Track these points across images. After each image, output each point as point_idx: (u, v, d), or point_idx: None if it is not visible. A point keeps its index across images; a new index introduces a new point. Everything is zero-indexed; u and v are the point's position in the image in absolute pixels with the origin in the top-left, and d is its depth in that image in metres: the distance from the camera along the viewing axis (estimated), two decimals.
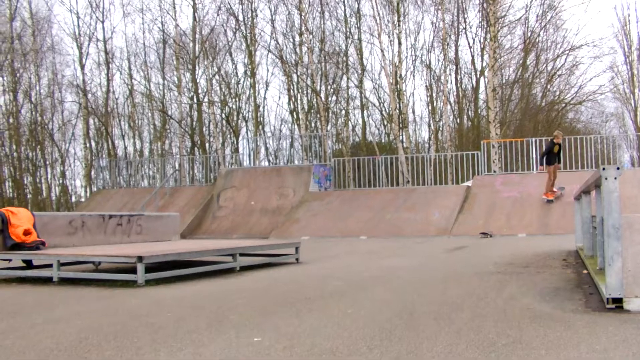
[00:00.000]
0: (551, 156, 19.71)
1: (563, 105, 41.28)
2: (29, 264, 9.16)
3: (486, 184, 22.52)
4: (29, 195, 41.64)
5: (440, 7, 37.77)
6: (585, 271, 7.86)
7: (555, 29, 38.95)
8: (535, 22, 38.22)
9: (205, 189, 27.19)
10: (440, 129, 40.34)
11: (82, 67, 43.15)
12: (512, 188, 21.74)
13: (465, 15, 39.21)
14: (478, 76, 39.91)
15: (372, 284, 7.47)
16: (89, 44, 44.20)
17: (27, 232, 8.69)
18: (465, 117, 41.84)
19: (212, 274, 8.71)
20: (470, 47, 40.10)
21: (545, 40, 39.52)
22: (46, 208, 40.39)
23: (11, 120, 41.83)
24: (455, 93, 40.93)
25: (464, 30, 39.37)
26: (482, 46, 38.54)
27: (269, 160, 39.56)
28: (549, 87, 40.73)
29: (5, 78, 42.22)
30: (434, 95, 41.26)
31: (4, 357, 3.88)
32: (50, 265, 8.30)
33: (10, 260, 9.02)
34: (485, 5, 34.13)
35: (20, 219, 8.80)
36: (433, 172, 26.89)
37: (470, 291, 6.57)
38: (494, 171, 27.00)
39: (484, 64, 37.62)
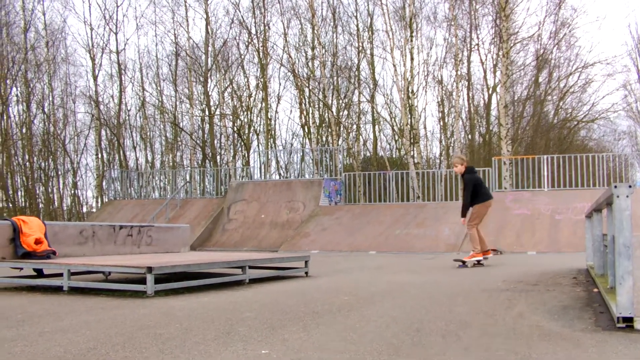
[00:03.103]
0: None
1: (575, 122, 41.18)
2: (39, 273, 9.19)
3: (496, 200, 22.38)
4: (41, 205, 41.77)
5: (452, 23, 37.78)
6: (595, 290, 7.83)
7: (568, 46, 38.89)
8: (548, 39, 38.23)
9: (216, 201, 27.23)
10: (452, 144, 40.27)
11: (95, 78, 43.37)
12: (523, 205, 21.69)
13: (478, 32, 39.22)
14: (490, 92, 39.89)
15: (381, 299, 7.46)
16: (102, 56, 44.44)
17: (38, 241, 8.72)
18: (476, 133, 41.81)
19: (221, 286, 8.72)
20: (482, 64, 40.09)
21: (558, 57, 39.48)
22: (58, 218, 40.52)
23: (24, 130, 42.04)
24: (467, 109, 40.91)
25: (476, 47, 39.37)
26: (494, 63, 38.52)
27: (279, 174, 39.59)
28: (561, 104, 40.65)
29: (18, 88, 42.45)
30: (446, 111, 41.25)
31: None
32: (60, 275, 8.33)
33: (21, 268, 9.05)
34: (498, 21, 34.14)
35: (32, 227, 8.83)
36: (444, 188, 26.85)
37: (478, 308, 6.55)
38: (505, 188, 26.99)
39: (496, 80, 37.61)
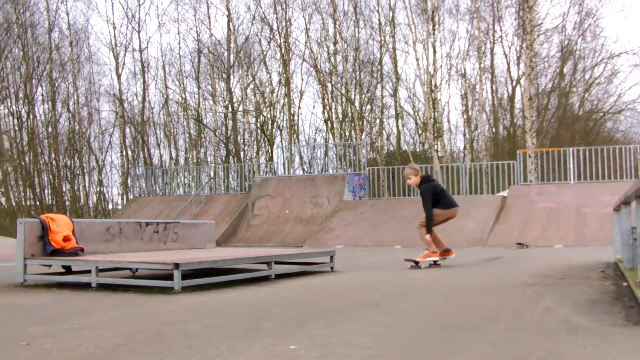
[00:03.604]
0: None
1: (601, 114, 40.82)
2: (68, 270, 9.26)
3: (522, 194, 22.37)
4: (67, 203, 42.08)
5: (475, 16, 37.63)
6: (624, 283, 7.77)
7: (593, 36, 38.57)
8: (573, 29, 37.97)
9: (240, 197, 27.29)
10: (476, 138, 40.12)
11: (119, 76, 43.63)
12: (549, 198, 21.57)
13: (501, 24, 39.06)
14: (514, 85, 39.68)
15: (406, 294, 7.45)
16: (125, 54, 44.69)
17: (66, 239, 8.79)
18: (501, 126, 41.59)
19: (247, 281, 8.74)
20: (505, 56, 39.92)
21: (582, 48, 39.12)
22: (84, 215, 40.82)
23: (50, 129, 42.34)
24: (490, 102, 40.71)
25: (499, 39, 39.19)
26: (518, 55, 38.33)
27: (303, 169, 39.60)
28: (586, 95, 40.30)
29: (44, 88, 42.76)
30: (469, 104, 41.06)
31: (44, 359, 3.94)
32: (88, 271, 8.39)
33: (50, 265, 9.13)
34: (521, 13, 33.97)
35: (60, 225, 8.90)
36: (468, 182, 26.74)
37: (505, 302, 6.53)
38: (530, 181, 26.87)
39: (520, 72, 37.41)
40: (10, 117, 42.66)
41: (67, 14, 45.30)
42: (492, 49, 39.55)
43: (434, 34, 37.14)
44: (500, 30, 39.35)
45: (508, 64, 40.05)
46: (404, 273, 10.44)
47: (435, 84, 36.89)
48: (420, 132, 40.64)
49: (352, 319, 5.56)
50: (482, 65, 38.65)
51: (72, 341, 4.60)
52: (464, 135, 42.03)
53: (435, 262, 11.64)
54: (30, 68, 41.96)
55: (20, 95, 42.67)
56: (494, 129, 41.54)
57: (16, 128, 42.72)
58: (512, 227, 20.19)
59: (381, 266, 12.15)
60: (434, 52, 36.96)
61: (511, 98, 40.63)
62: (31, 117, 42.32)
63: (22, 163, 41.81)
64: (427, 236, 11.52)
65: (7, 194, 41.61)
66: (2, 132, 41.55)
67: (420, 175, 11.89)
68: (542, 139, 36.36)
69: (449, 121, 42.45)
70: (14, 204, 41.33)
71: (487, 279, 9.31)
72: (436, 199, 11.77)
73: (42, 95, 43.58)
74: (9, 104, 42.65)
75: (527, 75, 32.58)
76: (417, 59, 36.59)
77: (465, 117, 41.61)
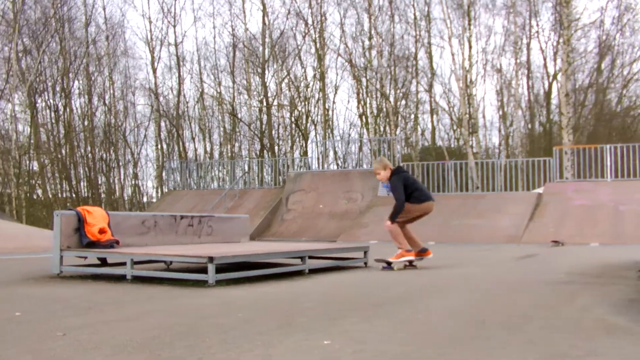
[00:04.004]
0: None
1: (639, 111, 40.35)
2: (103, 262, 9.34)
3: (558, 191, 22.19)
4: (103, 195, 42.48)
5: (511, 10, 37.34)
6: None
7: (632, 31, 38.10)
8: (611, 24, 37.55)
9: (274, 191, 27.35)
10: (511, 134, 39.88)
11: (154, 70, 43.94)
12: (585, 196, 21.36)
13: (538, 19, 38.77)
14: (550, 81, 39.40)
15: (441, 290, 7.42)
16: (160, 48, 45.07)
17: (102, 231, 8.86)
18: (536, 122, 41.28)
19: (280, 276, 8.76)
20: (542, 51, 39.66)
21: (621, 43, 38.68)
22: (119, 208, 41.19)
23: (86, 122, 42.75)
24: (526, 98, 40.42)
25: (536, 34, 38.92)
26: (554, 50, 38.05)
27: (337, 164, 39.63)
28: (624, 92, 39.86)
29: (81, 82, 43.17)
30: (505, 100, 40.80)
31: (81, 351, 3.96)
32: (123, 264, 8.45)
33: (86, 257, 9.21)
34: (558, 8, 33.66)
35: (96, 217, 8.97)
36: (503, 178, 26.58)
37: (540, 301, 6.48)
38: (566, 178, 26.65)
39: (557, 68, 37.10)
40: (48, 111, 43.18)
41: (104, 9, 45.82)
42: (528, 44, 39.32)
43: (469, 28, 36.96)
44: (537, 25, 39.10)
45: (545, 60, 39.83)
46: (438, 269, 10.39)
47: (471, 80, 36.72)
48: (455, 127, 40.49)
49: (386, 314, 5.55)
50: (519, 61, 38.40)
51: (107, 333, 4.63)
52: (499, 131, 41.82)
53: (410, 262, 10.63)
54: (68, 62, 42.38)
55: (58, 88, 43.16)
56: (529, 125, 41.26)
57: (53, 121, 43.22)
58: (548, 224, 20.03)
59: (415, 262, 12.10)
60: (470, 47, 36.81)
61: (548, 94, 40.33)
62: (68, 110, 42.77)
63: (59, 156, 42.27)
64: (388, 223, 10.56)
65: (44, 186, 42.10)
66: (40, 125, 42.00)
67: (390, 167, 10.94)
68: (579, 136, 36.02)
69: (484, 117, 42.35)
70: (50, 196, 41.81)
71: (522, 276, 9.25)
72: (407, 192, 10.72)
73: (79, 88, 44.08)
74: (47, 98, 43.18)
75: (564, 70, 32.29)
76: (452, 54, 36.43)
77: (500, 113, 41.40)
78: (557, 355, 3.93)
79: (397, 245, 10.56)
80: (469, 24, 36.90)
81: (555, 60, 38.28)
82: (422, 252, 10.82)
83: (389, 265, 10.41)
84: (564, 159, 28.65)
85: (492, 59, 40.83)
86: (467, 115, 35.89)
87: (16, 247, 15.21)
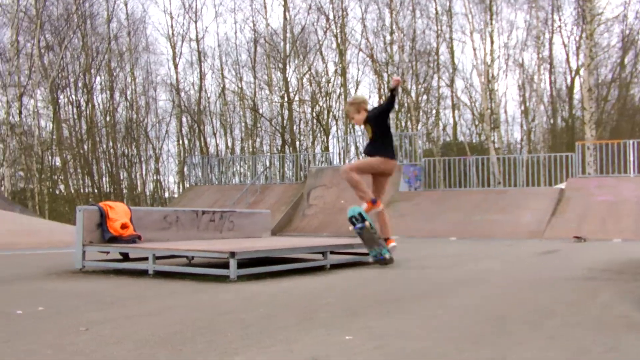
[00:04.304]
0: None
1: None
2: (125, 257, 9.39)
3: (580, 186, 22.07)
4: (124, 190, 42.70)
5: (533, 5, 37.14)
6: None
7: None
8: (635, 19, 37.27)
9: (295, 186, 27.38)
10: (533, 129, 39.68)
11: (176, 66, 44.13)
12: (608, 191, 21.24)
13: (560, 13, 38.57)
14: (573, 75, 39.16)
15: (462, 286, 7.40)
16: (182, 44, 45.18)
17: (124, 226, 8.91)
18: (559, 117, 41.05)
19: (302, 271, 8.77)
20: (564, 46, 39.45)
21: None
22: (140, 203, 41.42)
23: (108, 118, 42.98)
24: (549, 93, 40.19)
25: (558, 29, 38.71)
26: (577, 45, 37.81)
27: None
28: None
29: (102, 77, 43.40)
30: (527, 95, 40.62)
31: (103, 346, 3.99)
32: (145, 259, 8.49)
33: (108, 252, 9.26)
34: (581, 2, 33.45)
35: (118, 213, 9.03)
36: (525, 174, 26.46)
37: (562, 297, 6.45)
38: (589, 173, 26.50)
39: (580, 63, 36.87)
40: (70, 106, 43.46)
41: (126, 5, 45.94)
42: (550, 39, 39.09)
43: (491, 23, 36.81)
44: (560, 19, 38.90)
45: (567, 54, 39.59)
46: (459, 265, 10.38)
47: (493, 75, 36.56)
48: (477, 123, 40.34)
49: (407, 310, 5.55)
50: (541, 56, 38.19)
51: (129, 328, 4.66)
52: (521, 126, 41.65)
53: (362, 221, 9.39)
54: (90, 58, 42.61)
55: (80, 84, 43.42)
56: (552, 120, 41.04)
57: (75, 117, 43.49)
58: (570, 220, 19.94)
59: (436, 258, 12.10)
60: (492, 42, 36.67)
61: (570, 89, 40.10)
62: (90, 106, 43.02)
63: (81, 151, 42.53)
64: (345, 168, 9.46)
65: (66, 181, 42.39)
66: (62, 120, 42.26)
67: (366, 109, 9.47)
68: (602, 131, 35.80)
69: (506, 112, 42.09)
70: (72, 191, 42.10)
71: (544, 272, 9.21)
72: (386, 134, 9.43)
73: (101, 84, 44.32)
74: (69, 93, 43.45)
75: (586, 65, 32.08)
76: (474, 49, 36.32)
77: (522, 108, 41.20)
78: (578, 351, 3.92)
79: (359, 195, 9.56)
80: (491, 19, 36.74)
81: (577, 54, 38.09)
82: (388, 240, 9.79)
83: (362, 220, 9.36)
84: (586, 154, 28.47)
85: (514, 53, 40.69)
86: (489, 111, 35.75)
87: (39, 242, 15.32)
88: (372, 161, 9.51)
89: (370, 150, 9.58)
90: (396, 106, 9.39)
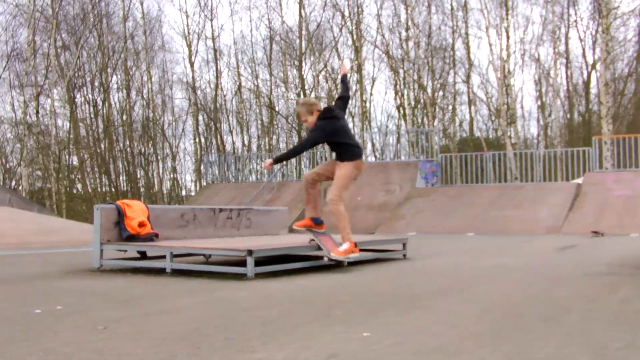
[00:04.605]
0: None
1: None
2: (143, 255, 9.41)
3: (597, 181, 21.95)
4: (141, 189, 42.82)
5: (549, 0, 36.95)
6: None
7: None
8: None
9: None
10: (550, 124, 39.50)
11: (192, 64, 44.18)
12: (625, 186, 21.13)
13: (576, 7, 38.32)
14: (589, 70, 38.94)
15: (479, 282, 7.38)
16: (197, 42, 45.20)
17: (141, 224, 8.93)
18: (575, 112, 40.83)
19: (319, 268, 8.76)
20: (581, 40, 39.25)
21: None
22: (158, 201, 41.52)
23: (125, 116, 43.09)
24: (565, 87, 39.97)
25: (574, 23, 38.50)
26: (593, 39, 37.58)
27: (375, 156, 39.56)
28: None
29: (119, 76, 43.51)
30: (543, 90, 40.41)
31: (121, 344, 4.01)
32: (163, 257, 8.51)
33: (125, 251, 9.29)
34: None
35: (135, 211, 9.05)
36: (542, 169, 26.36)
37: (580, 292, 6.42)
38: (606, 168, 26.36)
39: (596, 57, 36.66)
40: (87, 105, 43.63)
41: (142, 3, 46.01)
42: (566, 34, 38.90)
43: (507, 18, 36.67)
44: (575, 14, 38.69)
45: (583, 49, 39.40)
46: (477, 261, 10.35)
47: (509, 70, 36.44)
48: (493, 118, 40.20)
49: (425, 307, 5.54)
50: (557, 50, 38.01)
51: (147, 326, 4.67)
52: (538, 121, 41.46)
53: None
54: (106, 57, 42.75)
55: (96, 83, 43.59)
56: (568, 115, 40.84)
57: (92, 116, 43.66)
58: (587, 215, 19.84)
59: (453, 254, 12.07)
60: (507, 37, 36.54)
61: (586, 83, 39.89)
62: (107, 105, 43.17)
63: (98, 150, 42.69)
64: (331, 199, 8.68)
65: (84, 180, 42.56)
66: (79, 120, 42.44)
67: (319, 109, 8.44)
68: (619, 125, 35.59)
69: (522, 107, 41.88)
70: (90, 190, 42.26)
71: (562, 267, 9.17)
72: (339, 141, 8.54)
73: (117, 83, 44.45)
74: (85, 93, 43.60)
75: (603, 60, 31.92)
76: (490, 45, 36.23)
77: (539, 103, 41.03)
78: (596, 347, 3.90)
79: (342, 233, 8.70)
80: (507, 14, 36.62)
81: (594, 49, 37.90)
82: (317, 224, 9.01)
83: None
84: (603, 149, 28.33)
85: (530, 48, 40.50)
86: (505, 106, 35.64)
87: (57, 241, 15.39)
88: (348, 173, 8.60)
89: (342, 156, 8.60)
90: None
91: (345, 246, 8.47)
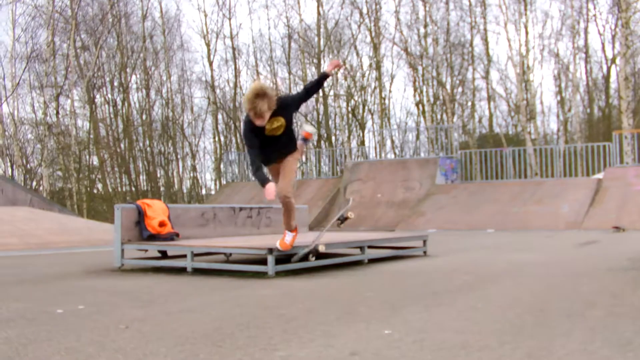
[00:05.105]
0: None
1: None
2: (164, 254, 9.45)
3: (618, 176, 21.80)
4: (162, 188, 42.93)
5: None
6: None
7: None
8: None
9: (332, 181, 27.36)
10: (570, 119, 39.25)
11: (210, 63, 44.22)
12: None
13: (595, 2, 38.06)
14: (609, 65, 38.64)
15: (501, 278, 7.36)
16: (216, 41, 45.22)
17: (162, 224, 8.96)
18: (595, 107, 40.54)
19: (340, 266, 8.77)
20: (600, 35, 38.98)
21: None
22: (178, 200, 41.61)
23: (144, 116, 43.22)
24: (585, 82, 39.69)
25: (593, 17, 38.18)
26: (613, 33, 37.29)
27: (394, 153, 39.49)
28: None
29: (138, 76, 43.65)
30: (563, 85, 40.16)
31: (143, 343, 4.02)
32: (184, 256, 8.53)
33: (146, 250, 9.32)
34: None
35: (155, 211, 9.08)
36: (562, 164, 26.21)
37: (603, 288, 6.38)
38: (627, 163, 26.13)
39: (616, 51, 36.40)
40: (106, 105, 43.80)
41: (160, 3, 46.21)
42: (586, 28, 38.63)
43: (525, 14, 36.48)
44: (594, 8, 38.43)
45: (603, 43, 39.16)
46: (499, 257, 10.31)
47: (528, 65, 36.27)
48: (512, 114, 40.01)
49: (446, 303, 5.52)
50: (576, 45, 37.77)
51: (169, 325, 4.68)
52: (558, 116, 41.19)
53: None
54: (125, 57, 42.90)
55: (116, 83, 43.75)
56: (588, 110, 40.58)
57: (112, 116, 43.84)
58: (609, 210, 19.71)
59: (474, 250, 12.03)
60: (526, 32, 36.35)
61: (606, 78, 39.61)
62: (126, 104, 43.33)
63: (118, 150, 42.85)
64: (282, 192, 7.62)
65: (104, 180, 42.75)
66: (99, 120, 42.63)
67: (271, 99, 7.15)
68: (639, 120, 35.32)
69: (541, 103, 41.70)
70: (110, 190, 42.44)
71: (584, 263, 9.12)
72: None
73: (137, 83, 44.60)
74: (105, 93, 43.78)
75: (622, 54, 31.70)
76: (508, 40, 36.09)
77: (558, 98, 40.78)
78: (620, 342, 3.88)
79: (285, 224, 8.02)
80: (525, 9, 36.43)
81: (613, 43, 37.61)
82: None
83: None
84: (624, 144, 28.10)
85: (549, 44, 40.26)
86: (525, 102, 35.48)
87: (78, 241, 15.48)
88: (294, 166, 7.92)
89: (286, 151, 7.79)
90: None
91: (291, 237, 7.87)
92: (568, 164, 26.02)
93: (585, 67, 39.71)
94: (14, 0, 38.63)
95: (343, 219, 8.81)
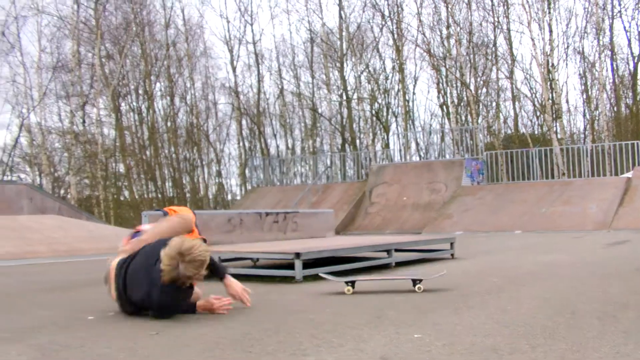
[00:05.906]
0: None
1: None
2: None
3: None
4: (187, 194, 43.11)
5: None
6: None
7: None
8: None
9: (357, 185, 27.35)
10: (597, 118, 38.95)
11: (234, 69, 44.38)
12: None
13: None
14: (636, 61, 38.28)
15: (530, 280, 7.31)
16: (239, 47, 45.33)
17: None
18: (623, 105, 40.19)
19: (367, 269, 8.75)
20: (626, 31, 38.59)
21: None
22: (204, 206, 41.76)
23: (169, 123, 43.44)
24: (611, 80, 39.36)
25: (618, 14, 37.87)
26: (639, 29, 36.95)
27: (419, 155, 39.38)
28: None
29: (162, 83, 43.88)
30: (589, 83, 39.85)
31: (173, 349, 4.03)
32: None
33: None
34: None
35: None
36: (590, 164, 26.03)
37: (634, 289, 6.33)
38: None
39: None
40: (131, 113, 44.06)
41: (182, 10, 46.39)
42: (611, 25, 38.32)
43: (549, 12, 36.28)
44: (620, 4, 38.08)
45: (629, 40, 38.74)
46: (527, 258, 10.25)
47: (553, 64, 36.03)
48: (538, 114, 39.77)
49: (476, 306, 5.49)
50: (602, 43, 37.49)
51: (198, 330, 4.69)
52: (584, 115, 40.89)
53: None
54: (149, 65, 43.14)
55: (140, 91, 43.99)
56: (615, 108, 40.24)
57: (137, 123, 44.09)
58: (638, 209, 19.54)
59: (502, 252, 11.97)
60: (550, 31, 36.10)
61: (633, 75, 39.25)
62: (151, 112, 43.55)
63: (144, 157, 43.08)
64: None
65: (130, 187, 42.99)
66: (124, 128, 42.89)
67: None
68: None
69: (567, 102, 41.31)
70: (137, 197, 42.66)
71: (614, 263, 9.04)
72: None
73: (161, 90, 44.83)
74: (130, 101, 44.06)
75: None
76: (532, 39, 35.83)
77: (584, 96, 40.47)
78: None
79: None
80: (549, 8, 36.22)
81: None
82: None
83: None
84: None
85: (574, 42, 39.99)
86: (550, 101, 35.27)
87: (106, 247, 15.54)
88: None
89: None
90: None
91: None
92: (596, 163, 25.84)
93: (611, 64, 39.43)
94: (39, 12, 38.95)
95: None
